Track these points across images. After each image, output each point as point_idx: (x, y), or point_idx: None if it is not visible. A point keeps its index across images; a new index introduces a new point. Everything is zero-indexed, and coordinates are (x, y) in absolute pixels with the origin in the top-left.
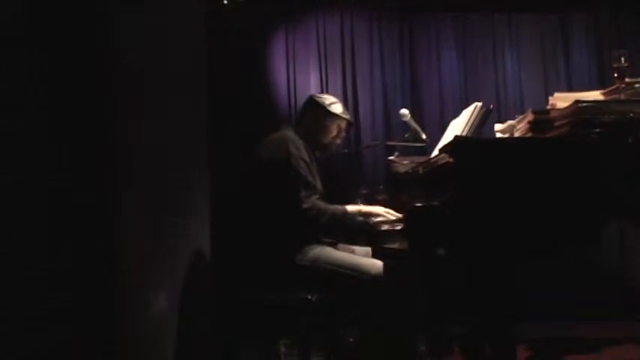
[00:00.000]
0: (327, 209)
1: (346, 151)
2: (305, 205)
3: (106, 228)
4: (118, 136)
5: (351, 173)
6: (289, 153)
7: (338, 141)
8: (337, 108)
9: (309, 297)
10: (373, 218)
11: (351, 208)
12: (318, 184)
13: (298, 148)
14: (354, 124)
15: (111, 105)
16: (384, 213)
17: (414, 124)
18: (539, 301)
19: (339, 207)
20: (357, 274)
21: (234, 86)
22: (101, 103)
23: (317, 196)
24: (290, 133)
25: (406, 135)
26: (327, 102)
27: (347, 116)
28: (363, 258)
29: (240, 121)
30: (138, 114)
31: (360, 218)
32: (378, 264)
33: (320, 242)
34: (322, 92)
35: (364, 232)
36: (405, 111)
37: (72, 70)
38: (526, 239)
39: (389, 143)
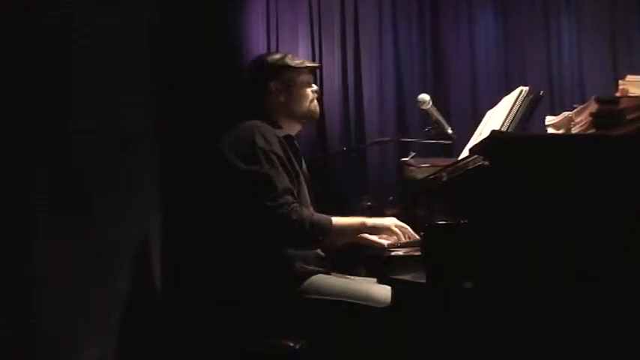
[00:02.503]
0: (306, 215)
1: (345, 149)
2: (270, 203)
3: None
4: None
5: (351, 180)
6: (253, 145)
7: (315, 101)
8: (296, 59)
9: (292, 344)
10: (378, 238)
11: (347, 221)
12: (305, 194)
13: (267, 139)
14: (320, 66)
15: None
16: (394, 228)
17: (436, 115)
18: None
19: (324, 216)
20: (362, 302)
21: (195, 65)
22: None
23: (291, 199)
24: (258, 123)
25: (426, 129)
26: (279, 57)
27: (311, 63)
28: (369, 283)
29: (203, 110)
30: (64, 97)
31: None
32: (387, 291)
33: (309, 273)
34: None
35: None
36: (424, 96)
37: None
38: (584, 268)
39: (403, 140)
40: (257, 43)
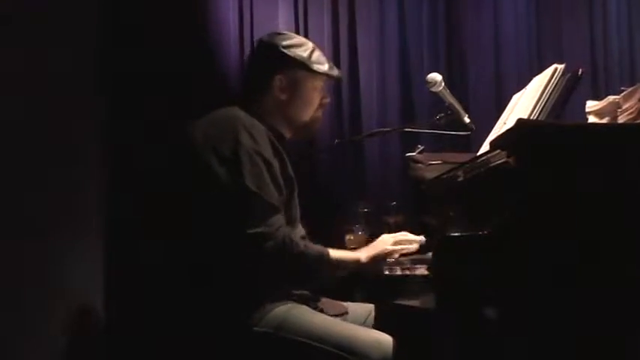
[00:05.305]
0: (296, 251)
1: (337, 142)
2: (252, 230)
3: None
4: None
5: (345, 180)
6: (236, 143)
7: (320, 113)
8: (318, 60)
9: None
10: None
11: (344, 256)
12: (294, 204)
13: (254, 137)
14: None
15: None
16: (393, 247)
17: (450, 99)
18: None
19: (319, 248)
20: (347, 355)
21: (151, 38)
22: None
23: (279, 219)
24: (241, 113)
25: (437, 117)
26: (297, 48)
27: (336, 73)
28: (360, 329)
29: (158, 96)
30: None
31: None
32: (384, 341)
33: (290, 297)
34: None
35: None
36: (435, 76)
37: None
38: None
39: (408, 130)
40: (226, 6)
